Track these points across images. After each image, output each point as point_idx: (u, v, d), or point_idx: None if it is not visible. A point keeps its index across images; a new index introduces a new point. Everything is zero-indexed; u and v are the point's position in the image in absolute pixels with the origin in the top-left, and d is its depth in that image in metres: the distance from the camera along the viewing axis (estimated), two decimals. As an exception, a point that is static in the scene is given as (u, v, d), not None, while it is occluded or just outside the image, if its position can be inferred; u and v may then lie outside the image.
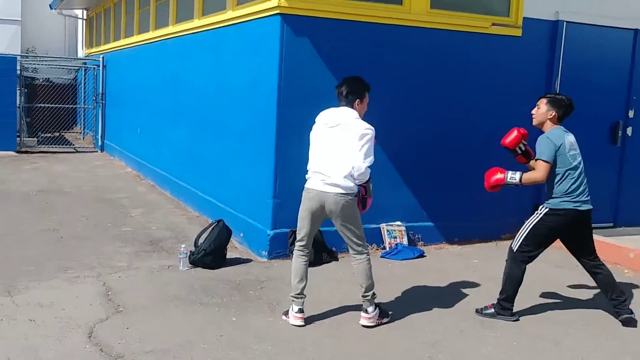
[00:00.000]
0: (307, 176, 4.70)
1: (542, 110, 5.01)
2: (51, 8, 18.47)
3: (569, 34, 7.66)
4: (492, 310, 5.03)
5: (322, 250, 6.38)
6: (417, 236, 7.06)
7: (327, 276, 5.96)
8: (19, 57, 14.65)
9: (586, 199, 4.95)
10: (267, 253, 6.39)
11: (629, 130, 8.18)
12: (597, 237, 6.98)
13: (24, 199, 9.09)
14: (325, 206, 4.56)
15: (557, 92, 7.60)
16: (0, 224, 7.48)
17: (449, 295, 5.57)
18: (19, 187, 9.96)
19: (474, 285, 5.90)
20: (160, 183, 10.12)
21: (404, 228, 6.91)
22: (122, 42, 13.06)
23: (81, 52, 19.14)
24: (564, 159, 4.85)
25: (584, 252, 5.13)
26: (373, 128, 4.55)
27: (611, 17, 7.79)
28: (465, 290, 5.72)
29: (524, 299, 5.44)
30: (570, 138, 4.96)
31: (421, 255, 6.74)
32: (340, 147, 4.51)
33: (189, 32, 8.83)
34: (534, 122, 5.09)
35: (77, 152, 14.81)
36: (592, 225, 7.90)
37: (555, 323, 5.04)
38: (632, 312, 5.03)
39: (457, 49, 7.11)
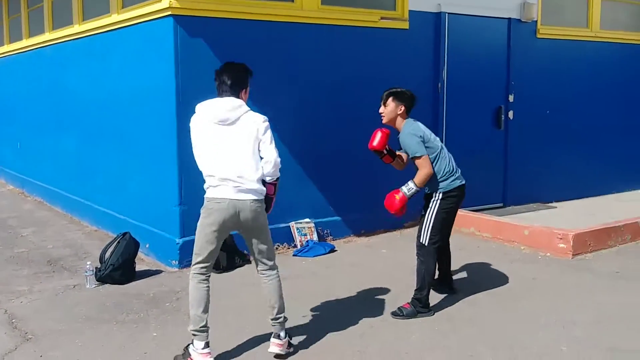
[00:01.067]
0: (208, 184, 4.05)
1: (390, 108, 5.04)
2: None
3: (452, 24, 7.99)
4: (411, 309, 4.95)
5: (234, 254, 6.30)
6: (326, 231, 7.13)
7: (243, 281, 5.88)
8: None
9: (460, 176, 5.17)
10: (177, 262, 6.21)
11: (511, 114, 8.66)
12: (492, 217, 7.41)
13: None
14: (241, 216, 3.99)
15: (443, 80, 7.95)
16: None
17: (366, 286, 5.65)
18: None
19: (387, 275, 6.02)
20: (49, 199, 9.57)
21: (313, 224, 6.95)
22: (-7, 51, 12.21)
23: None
24: (431, 145, 4.98)
25: (448, 231, 5.36)
26: (267, 118, 4.15)
27: (487, 7, 8.21)
28: (380, 281, 5.83)
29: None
30: (422, 126, 5.08)
31: (332, 250, 6.81)
32: (244, 147, 3.99)
33: (68, 38, 8.39)
34: (384, 120, 5.12)
35: (-53, 172, 13.70)
36: (485, 206, 8.36)
37: (469, 304, 5.25)
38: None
39: (349, 44, 7.23)
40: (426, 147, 4.95)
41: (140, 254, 6.57)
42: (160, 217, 6.50)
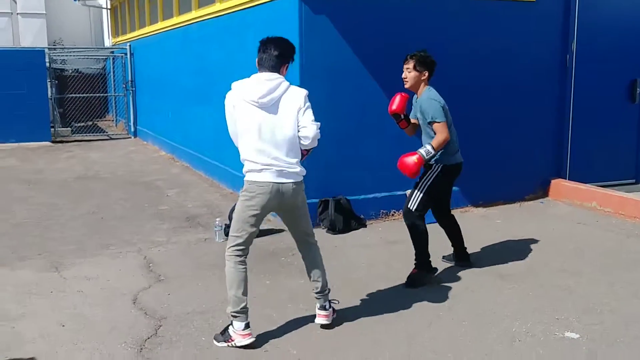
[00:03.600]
0: (249, 168, 4.00)
1: (414, 74, 4.98)
2: (74, 0, 18.88)
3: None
4: (419, 273, 5.03)
5: (351, 218, 6.65)
6: (441, 200, 7.27)
7: (354, 242, 6.24)
8: (46, 50, 15.06)
9: (460, 152, 5.15)
10: (297, 223, 6.66)
11: (646, 88, 8.25)
12: (616, 193, 7.19)
13: (62, 185, 9.49)
14: (283, 199, 3.98)
15: (572, 52, 7.73)
16: (42, 210, 7.87)
17: (471, 254, 5.78)
18: (57, 175, 10.37)
19: (495, 244, 6.12)
20: (194, 164, 10.47)
21: (427, 193, 7.12)
22: (148, 29, 13.38)
23: (108, 42, 19.56)
24: (447, 115, 4.95)
25: (447, 204, 5.36)
26: (307, 90, 4.05)
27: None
28: (485, 248, 5.95)
29: (542, 254, 5.68)
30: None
31: (445, 218, 6.96)
32: (285, 130, 3.91)
33: (211, 16, 9.09)
34: (407, 85, 5.06)
35: (111, 139, 15.25)
36: (615, 181, 8.08)
37: (570, 274, 5.25)
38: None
39: (474, 16, 7.27)
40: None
41: (268, 215, 7.13)
42: (283, 180, 6.98)
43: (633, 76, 8.17)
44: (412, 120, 5.29)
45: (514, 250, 5.89)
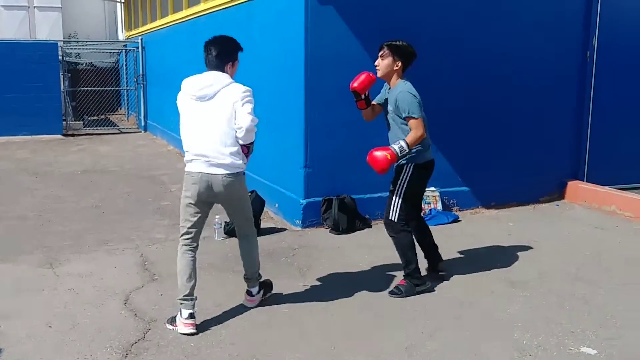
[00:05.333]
0: (186, 159, 4.19)
1: (387, 62, 4.66)
2: (90, -7, 18.84)
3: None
4: (408, 284, 4.69)
5: (355, 218, 6.41)
6: (452, 201, 7.01)
7: (359, 242, 6.00)
8: (60, 43, 14.95)
9: (430, 149, 4.82)
10: (300, 222, 6.45)
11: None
12: (636, 196, 6.90)
13: (68, 178, 9.36)
14: (213, 189, 4.09)
15: (593, 48, 7.44)
16: (45, 203, 7.74)
17: (480, 258, 5.54)
18: (65, 167, 10.27)
19: (506, 247, 5.85)
20: (200, 159, 10.27)
21: (437, 194, 6.87)
22: (159, 22, 13.23)
23: (121, 35, 19.46)
24: (423, 111, 4.62)
25: (419, 205, 4.99)
26: (251, 89, 4.12)
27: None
28: (497, 253, 5.69)
29: (557, 259, 5.40)
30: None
31: (455, 219, 6.70)
32: (220, 120, 4.02)
33: (219, 8, 8.89)
34: (379, 74, 4.73)
35: (122, 133, 15.13)
36: (636, 184, 7.72)
37: (586, 282, 4.96)
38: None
39: (489, 9, 6.99)
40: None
41: (270, 212, 6.93)
42: (287, 178, 6.77)
43: (656, 74, 7.85)
44: (374, 103, 4.95)
45: (526, 255, 5.61)
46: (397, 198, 4.70)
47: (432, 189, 6.88)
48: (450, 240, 6.05)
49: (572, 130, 7.60)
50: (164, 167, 10.37)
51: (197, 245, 4.27)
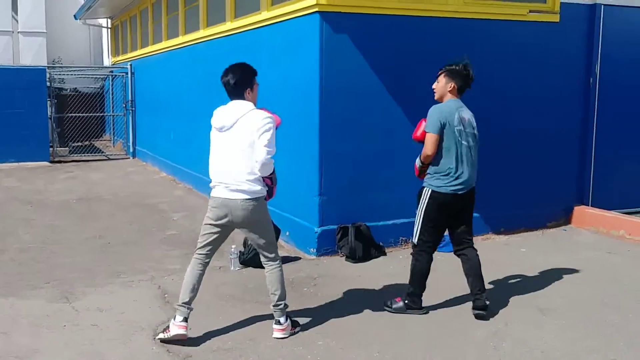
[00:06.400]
0: (211, 185, 4.43)
1: (441, 84, 4.79)
2: (75, 18, 18.69)
3: (607, 16, 7.58)
4: (401, 304, 4.83)
5: (370, 245, 6.39)
6: (463, 228, 7.02)
7: (379, 271, 5.96)
8: (47, 68, 14.79)
9: (461, 182, 4.72)
10: (315, 250, 6.40)
11: (669, 111, 8.09)
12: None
13: (64, 207, 9.20)
14: (233, 214, 4.28)
15: (595, 75, 7.56)
16: (45, 233, 7.58)
17: (502, 285, 5.53)
18: (57, 196, 10.09)
19: (525, 274, 5.85)
20: (198, 186, 10.18)
21: (450, 220, 6.87)
22: (150, 48, 13.16)
23: (107, 61, 19.34)
24: (447, 134, 4.63)
25: (461, 235, 4.94)
26: (272, 116, 4.29)
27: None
28: (515, 279, 5.70)
29: (579, 286, 5.43)
30: (463, 114, 4.71)
31: (469, 246, 6.70)
32: (239, 149, 4.23)
33: (221, 35, 8.87)
34: (436, 97, 4.85)
35: (109, 159, 14.96)
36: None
37: (614, 308, 4.98)
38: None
39: (495, 37, 7.07)
40: (444, 130, 4.63)
41: (280, 241, 6.85)
42: (300, 206, 6.72)
43: (657, 99, 8.00)
44: None
45: (546, 281, 5.63)
46: (417, 221, 4.83)
47: (444, 215, 6.88)
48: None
49: (578, 155, 7.69)
50: (160, 194, 10.25)
51: (209, 262, 4.52)
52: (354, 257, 6.24)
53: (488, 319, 4.72)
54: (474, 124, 4.80)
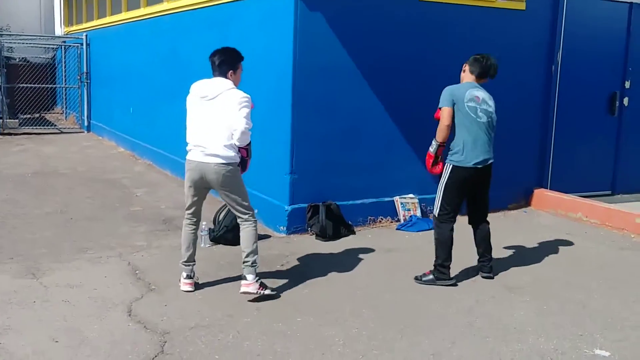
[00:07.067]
0: (187, 148, 4.76)
1: (466, 73, 5.22)
2: (25, -15, 18.01)
3: (570, 6, 7.77)
4: (431, 276, 5.12)
5: (340, 224, 6.45)
6: (429, 208, 7.12)
7: (349, 249, 6.04)
8: (-2, 37, 14.27)
9: (478, 156, 5.05)
10: (285, 228, 6.42)
11: (626, 101, 8.40)
12: (602, 204, 7.23)
13: (20, 181, 8.94)
14: (207, 176, 4.65)
15: (557, 63, 7.76)
16: (4, 208, 7.37)
17: (470, 263, 5.66)
18: (12, 169, 9.80)
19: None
20: (159, 162, 10.04)
21: (417, 200, 7.00)
22: (108, 19, 12.81)
23: (59, 30, 18.70)
24: (460, 109, 5.00)
25: (479, 208, 5.32)
26: (249, 96, 4.65)
27: (608, -10, 7.94)
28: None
29: (543, 266, 5.62)
30: (477, 92, 5.07)
31: (435, 226, 6.84)
32: (218, 118, 4.58)
33: (187, 8, 8.71)
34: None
35: (63, 132, 14.55)
36: (592, 192, 8.13)
37: (578, 287, 5.18)
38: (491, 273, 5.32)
39: (463, 23, 7.16)
40: (455, 109, 5.00)
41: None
42: (271, 184, 6.72)
43: (613, 89, 8.27)
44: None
45: (511, 261, 5.81)
46: (437, 194, 5.16)
47: (411, 195, 7.01)
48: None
49: (538, 140, 7.89)
50: (120, 170, 10.07)
51: (198, 220, 4.94)
52: (324, 235, 6.29)
53: (493, 278, 5.25)
54: (490, 103, 5.12)
